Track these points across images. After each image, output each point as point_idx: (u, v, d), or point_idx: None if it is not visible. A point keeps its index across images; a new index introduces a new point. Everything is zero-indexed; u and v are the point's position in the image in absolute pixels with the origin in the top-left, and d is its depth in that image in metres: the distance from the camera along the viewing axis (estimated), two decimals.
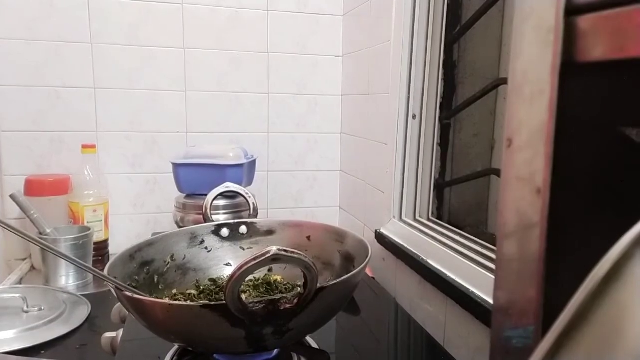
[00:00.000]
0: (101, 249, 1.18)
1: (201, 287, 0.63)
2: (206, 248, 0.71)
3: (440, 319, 0.83)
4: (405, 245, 0.95)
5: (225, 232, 0.72)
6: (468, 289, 0.74)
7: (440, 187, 1.08)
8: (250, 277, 0.69)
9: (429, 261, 0.86)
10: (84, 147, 1.14)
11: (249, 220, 0.74)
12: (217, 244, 0.72)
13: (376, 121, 1.17)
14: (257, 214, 0.97)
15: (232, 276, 0.42)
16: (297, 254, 0.43)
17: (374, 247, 1.09)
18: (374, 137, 1.18)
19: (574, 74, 0.24)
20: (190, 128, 1.27)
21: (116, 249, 1.22)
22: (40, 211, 1.12)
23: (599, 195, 0.26)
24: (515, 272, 0.31)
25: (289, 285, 0.67)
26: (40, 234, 1.04)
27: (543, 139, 0.24)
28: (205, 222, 0.73)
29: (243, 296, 0.58)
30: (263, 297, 0.61)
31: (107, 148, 1.22)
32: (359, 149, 1.28)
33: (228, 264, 0.72)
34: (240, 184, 1.02)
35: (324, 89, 1.35)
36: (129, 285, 0.58)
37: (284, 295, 0.46)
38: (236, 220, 0.73)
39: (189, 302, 0.43)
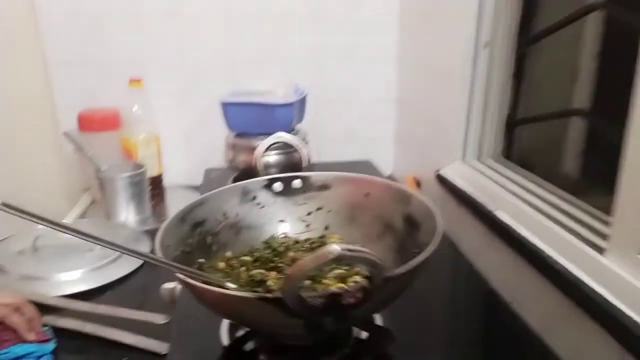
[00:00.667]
0: (156, 183, 1.18)
1: (255, 254, 0.60)
2: (259, 204, 0.67)
3: (509, 276, 0.78)
4: (470, 193, 0.88)
5: (277, 186, 0.68)
6: (542, 250, 0.67)
7: (511, 124, 0.97)
8: (306, 235, 0.66)
9: (497, 213, 0.79)
10: (131, 81, 1.11)
11: (302, 174, 0.69)
12: (270, 200, 0.68)
13: (440, 48, 1.05)
14: (311, 164, 0.93)
15: (289, 276, 0.38)
16: (363, 252, 0.38)
17: (433, 188, 1.04)
18: (436, 66, 1.07)
19: None
20: (238, 56, 1.19)
21: (170, 181, 1.23)
22: (94, 147, 1.12)
23: None
24: None
25: (379, 259, 0.63)
26: (97, 171, 1.04)
27: None
28: (257, 175, 0.69)
29: (296, 254, 0.55)
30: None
31: (154, 80, 1.18)
32: (418, 78, 1.17)
33: (282, 221, 0.68)
34: (290, 123, 0.97)
35: (379, 8, 1.21)
36: (181, 251, 0.56)
37: (347, 288, 0.42)
38: (289, 174, 0.68)
39: (244, 293, 0.40)
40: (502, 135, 0.97)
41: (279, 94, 0.93)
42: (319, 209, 0.68)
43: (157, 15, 1.14)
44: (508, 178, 0.87)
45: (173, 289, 0.68)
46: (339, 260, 0.37)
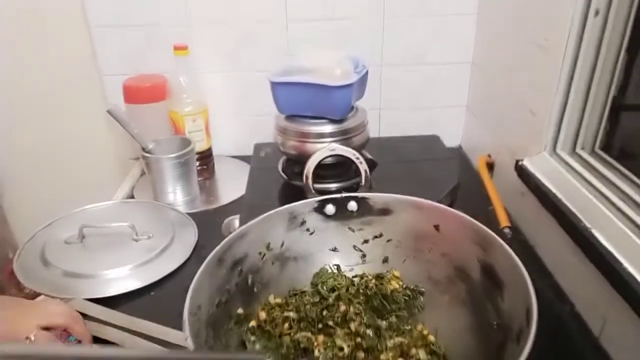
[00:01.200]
0: (205, 157, 1.12)
1: (301, 310, 0.51)
2: (308, 230, 0.58)
3: (599, 306, 0.66)
4: (559, 198, 0.74)
5: (330, 209, 0.58)
6: None
7: (616, 109, 0.79)
8: (360, 268, 0.57)
9: (594, 232, 0.65)
10: (176, 48, 1.00)
11: (359, 195, 0.58)
12: (321, 224, 0.59)
13: (536, 9, 0.85)
14: (362, 147, 0.80)
15: None
16: None
17: (510, 179, 0.89)
18: (529, 31, 0.87)
19: None
20: (291, 17, 1.05)
21: (220, 152, 1.16)
22: (141, 119, 1.06)
23: None
24: None
25: (408, 294, 0.53)
26: (143, 150, 0.98)
27: None
28: (307, 195, 0.59)
29: (352, 325, 0.47)
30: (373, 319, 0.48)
31: (201, 46, 1.07)
32: (503, 42, 0.98)
33: (334, 249, 0.59)
34: (348, 107, 0.84)
35: None
36: (217, 304, 0.49)
37: None
38: (344, 195, 0.58)
39: None
40: (605, 122, 0.79)
41: (337, 73, 0.80)
42: (377, 236, 0.58)
43: None
44: (606, 180, 0.72)
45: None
46: None
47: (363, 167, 0.61)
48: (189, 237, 0.88)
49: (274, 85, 0.84)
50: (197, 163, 1.09)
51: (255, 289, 0.54)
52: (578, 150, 0.81)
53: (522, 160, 0.86)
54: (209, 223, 0.91)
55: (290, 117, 0.87)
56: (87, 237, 0.87)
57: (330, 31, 1.05)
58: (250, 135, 1.14)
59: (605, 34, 0.74)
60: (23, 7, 1.07)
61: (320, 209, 0.58)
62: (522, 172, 0.85)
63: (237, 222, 0.82)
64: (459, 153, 1.16)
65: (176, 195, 1.01)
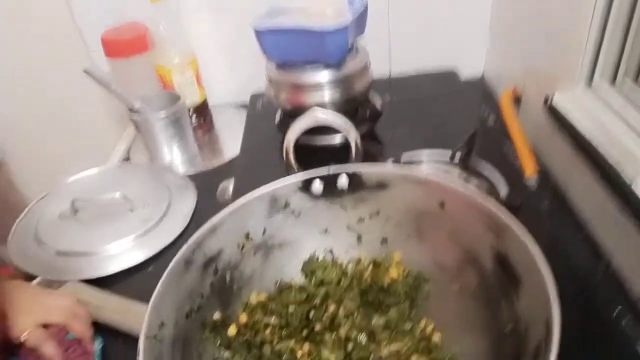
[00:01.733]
0: (201, 110, 1.03)
1: (284, 313, 0.44)
2: (293, 212, 0.50)
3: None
4: (596, 143, 0.62)
5: (317, 187, 0.50)
6: None
7: None
8: (356, 252, 0.49)
9: (636, 188, 0.55)
10: None
11: (350, 170, 0.49)
12: (308, 204, 0.50)
13: None
14: (365, 93, 0.69)
15: None
16: None
17: (539, 118, 0.77)
18: None
19: None
20: None
21: (217, 101, 1.06)
22: (125, 74, 0.97)
23: None
24: None
25: (409, 283, 0.46)
26: (130, 110, 0.90)
27: None
28: (288, 172, 0.51)
29: (341, 330, 0.40)
30: (369, 323, 0.42)
31: None
32: None
33: (325, 231, 0.51)
34: (343, 52, 0.73)
35: None
36: (187, 314, 0.43)
37: None
38: (332, 170, 0.49)
39: None
40: None
41: (329, 12, 0.68)
42: (374, 214, 0.50)
43: None
44: None
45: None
46: None
47: (353, 136, 0.51)
48: (188, 203, 0.82)
49: (258, 33, 0.72)
50: (193, 117, 1.01)
51: (235, 287, 0.47)
52: (620, 80, 0.68)
53: (552, 95, 0.73)
54: (209, 184, 0.85)
55: (282, 66, 0.77)
56: (81, 210, 0.82)
57: None
58: (247, 81, 1.03)
59: None
60: None
61: (306, 188, 0.50)
62: (553, 110, 0.72)
63: (231, 188, 0.75)
64: (480, 86, 1.03)
65: (173, 155, 0.94)
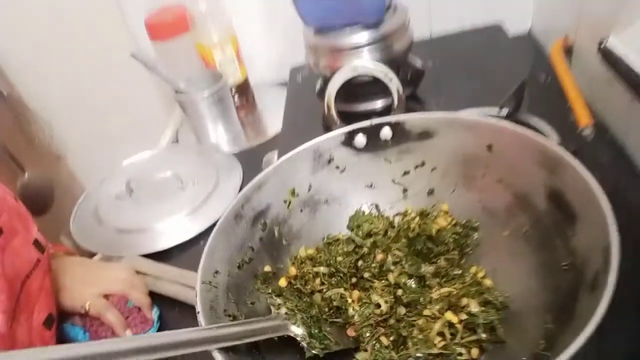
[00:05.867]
0: (243, 89, 1.04)
1: (332, 263, 0.45)
2: (337, 167, 0.50)
3: None
4: None
5: (360, 140, 0.49)
6: None
7: None
8: (402, 205, 0.49)
9: None
10: None
11: (393, 120, 0.48)
12: (352, 159, 0.50)
13: None
14: (405, 53, 0.68)
15: None
16: None
17: (594, 66, 0.73)
18: None
19: None
20: None
21: (258, 81, 1.08)
22: (169, 56, 1.00)
23: None
24: None
25: (460, 232, 0.45)
26: (176, 91, 0.93)
27: None
28: (331, 127, 0.50)
29: (390, 276, 0.40)
30: (421, 275, 0.41)
31: None
32: None
33: (370, 186, 0.51)
34: (382, 9, 0.71)
35: None
36: (238, 266, 0.44)
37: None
38: (374, 122, 0.48)
39: None
40: None
41: None
42: (419, 166, 0.49)
43: None
44: None
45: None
46: None
47: (394, 85, 0.50)
48: (234, 179, 0.84)
49: None
50: (235, 97, 1.03)
51: (284, 242, 0.48)
52: None
53: (607, 38, 0.69)
54: (254, 160, 0.86)
55: (320, 31, 0.76)
56: (136, 190, 0.86)
57: None
58: (287, 55, 1.04)
59: None
60: None
61: (348, 141, 0.49)
62: (608, 54, 0.68)
63: (276, 158, 0.76)
64: (528, 41, 0.98)
65: (218, 134, 0.96)
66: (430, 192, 0.49)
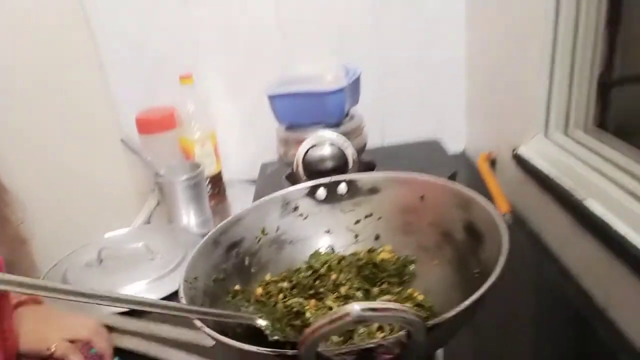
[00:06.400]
0: (216, 181, 1.17)
1: (294, 280, 0.54)
2: (301, 215, 0.61)
3: (603, 277, 0.65)
4: (554, 176, 0.75)
5: (321, 193, 0.61)
6: None
7: (605, 86, 0.81)
8: (353, 248, 0.59)
9: (587, 203, 0.66)
10: (182, 78, 1.08)
11: (348, 178, 0.61)
12: (314, 209, 0.61)
13: (513, 1, 0.89)
14: (360, 152, 0.83)
15: (304, 339, 0.32)
16: (391, 310, 0.30)
17: (510, 169, 0.90)
18: (512, 21, 0.91)
19: None
20: (289, 32, 1.10)
21: (231, 176, 1.20)
22: (153, 148, 1.12)
23: None
24: None
25: (399, 261, 0.55)
26: (155, 175, 1.04)
27: None
28: (299, 182, 0.62)
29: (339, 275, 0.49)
30: (366, 289, 0.50)
31: (206, 75, 1.14)
32: (491, 38, 1.01)
33: (328, 232, 0.61)
34: (342, 111, 0.88)
35: None
36: (214, 279, 0.52)
37: (381, 342, 0.34)
38: (333, 179, 0.61)
39: (262, 349, 0.35)
40: (594, 99, 0.81)
41: (329, 79, 0.85)
42: (367, 216, 0.61)
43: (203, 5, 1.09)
44: (600, 155, 0.73)
45: None
46: (359, 322, 0.30)
47: (350, 151, 0.64)
48: None
49: (271, 98, 0.89)
50: (209, 187, 1.14)
51: (252, 270, 0.56)
52: (571, 129, 0.82)
53: (518, 147, 0.87)
54: None
55: (290, 128, 0.92)
56: (106, 260, 0.91)
57: (329, 44, 1.10)
58: (258, 158, 1.18)
59: (581, 11, 0.76)
60: (40, 55, 1.16)
61: (311, 193, 0.61)
62: (519, 159, 0.86)
63: None
64: (463, 157, 1.18)
65: (189, 217, 1.05)
66: (377, 237, 0.60)
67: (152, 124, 1.13)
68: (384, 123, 1.17)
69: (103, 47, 1.13)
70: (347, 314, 0.29)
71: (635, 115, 0.80)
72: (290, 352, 0.34)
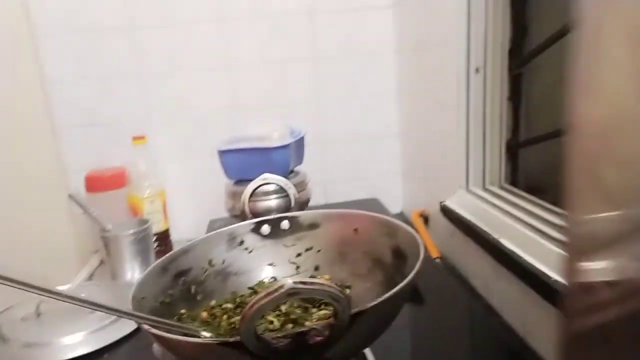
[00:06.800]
0: (163, 239, 1.18)
1: (237, 300, 0.58)
2: (247, 249, 0.66)
3: (519, 304, 0.73)
4: (473, 221, 0.84)
5: (265, 229, 0.66)
6: (549, 277, 0.63)
7: (513, 148, 0.94)
8: (295, 278, 0.63)
9: (502, 241, 0.75)
10: (135, 138, 1.13)
11: (290, 215, 0.67)
12: (258, 243, 0.66)
13: (434, 78, 1.04)
14: (304, 198, 0.91)
15: (243, 316, 0.36)
16: (319, 284, 0.36)
17: (439, 221, 1.00)
18: (433, 96, 1.06)
19: None
20: (238, 105, 1.21)
21: (178, 236, 1.22)
22: (102, 206, 1.13)
23: None
24: None
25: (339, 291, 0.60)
26: (102, 230, 1.05)
27: None
28: (244, 219, 0.68)
29: (283, 307, 0.53)
30: (294, 319, 0.55)
31: (158, 136, 1.20)
32: (418, 111, 1.16)
33: (271, 264, 0.66)
34: (287, 166, 0.96)
35: (375, 46, 1.22)
36: (161, 302, 0.55)
37: (313, 326, 0.39)
38: (276, 216, 0.67)
39: (206, 340, 0.38)
40: (505, 160, 0.94)
41: (275, 137, 0.93)
42: (308, 249, 0.66)
43: (159, 70, 1.18)
44: (511, 203, 0.83)
45: None
46: (293, 294, 0.35)
47: (292, 191, 0.70)
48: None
49: (221, 153, 0.96)
50: (155, 244, 1.15)
51: (198, 297, 0.59)
52: (487, 185, 0.94)
53: (444, 201, 0.98)
54: None
55: (238, 182, 0.98)
56: (44, 314, 0.89)
57: (275, 114, 1.21)
58: (207, 217, 1.22)
59: (487, 87, 0.91)
60: None
61: (256, 229, 0.66)
62: (446, 211, 0.96)
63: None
64: (401, 216, 1.27)
65: (134, 272, 1.05)
66: (317, 268, 0.65)
67: (101, 182, 1.16)
68: (326, 185, 1.26)
69: (57, 113, 1.18)
70: (281, 286, 0.34)
71: (540, 173, 0.93)
72: (231, 339, 0.38)
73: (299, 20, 1.18)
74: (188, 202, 1.25)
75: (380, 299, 0.41)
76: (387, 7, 1.20)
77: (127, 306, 0.89)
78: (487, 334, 0.74)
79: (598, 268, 0.29)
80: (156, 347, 0.65)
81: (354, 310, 0.39)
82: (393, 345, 0.64)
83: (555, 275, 0.62)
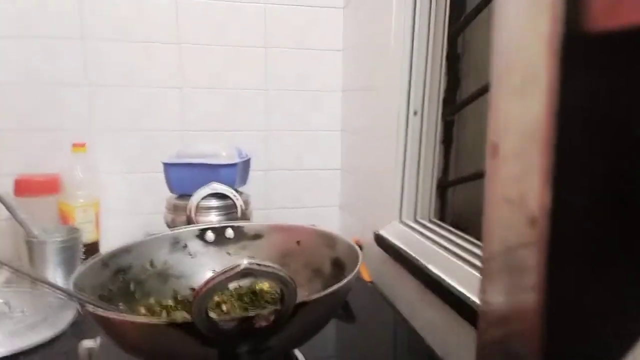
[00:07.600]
0: (92, 250, 1.14)
1: (178, 297, 0.59)
2: (190, 253, 0.67)
3: (441, 327, 0.78)
4: (405, 249, 0.90)
5: (210, 236, 0.68)
6: (469, 298, 0.69)
7: (443, 186, 1.03)
8: (235, 284, 0.65)
9: (429, 267, 0.81)
10: (75, 145, 1.11)
11: (235, 224, 0.69)
12: (202, 249, 0.68)
13: (377, 118, 1.12)
14: (247, 215, 0.93)
15: (197, 292, 0.38)
16: (271, 267, 0.39)
17: (372, 250, 1.06)
18: (374, 135, 1.13)
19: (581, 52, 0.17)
20: (187, 126, 1.23)
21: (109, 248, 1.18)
22: (30, 212, 1.08)
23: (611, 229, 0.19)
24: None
25: (276, 295, 0.62)
26: (27, 235, 1.00)
27: (538, 147, 0.17)
28: (190, 224, 0.69)
29: (224, 307, 0.54)
30: (245, 307, 0.57)
31: (101, 147, 1.18)
32: (359, 147, 1.23)
33: (213, 270, 0.67)
34: (232, 185, 0.98)
35: (324, 84, 1.30)
36: (100, 295, 0.54)
37: (259, 311, 0.41)
38: (222, 224, 0.69)
39: (154, 320, 0.39)
40: (435, 197, 1.02)
41: (223, 155, 0.96)
42: (250, 258, 0.68)
43: (111, 82, 1.18)
44: (440, 235, 0.90)
45: (93, 348, 0.64)
46: (247, 274, 0.37)
47: (239, 202, 0.73)
48: (68, 314, 0.88)
49: (167, 166, 0.96)
50: (83, 255, 1.11)
51: (136, 295, 0.59)
52: (418, 218, 1.01)
53: (378, 231, 1.03)
54: None
55: (181, 196, 0.98)
56: None
57: (223, 139, 1.23)
58: (141, 232, 1.20)
59: (423, 129, 1.00)
60: None
61: (201, 236, 0.68)
62: (379, 239, 1.02)
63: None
64: None
65: (56, 279, 1.00)
66: None
67: (31, 187, 1.11)
68: (268, 211, 1.29)
69: None
70: (237, 266, 0.37)
71: (465, 209, 1.02)
72: (181, 320, 0.39)
73: (255, 53, 1.24)
74: (125, 216, 1.22)
75: (322, 293, 0.45)
76: (338, 50, 1.29)
77: (49, 311, 0.86)
78: (409, 355, 0.78)
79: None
80: (82, 348, 0.63)
81: (299, 300, 0.42)
82: (322, 354, 0.66)
83: (474, 297, 0.69)
